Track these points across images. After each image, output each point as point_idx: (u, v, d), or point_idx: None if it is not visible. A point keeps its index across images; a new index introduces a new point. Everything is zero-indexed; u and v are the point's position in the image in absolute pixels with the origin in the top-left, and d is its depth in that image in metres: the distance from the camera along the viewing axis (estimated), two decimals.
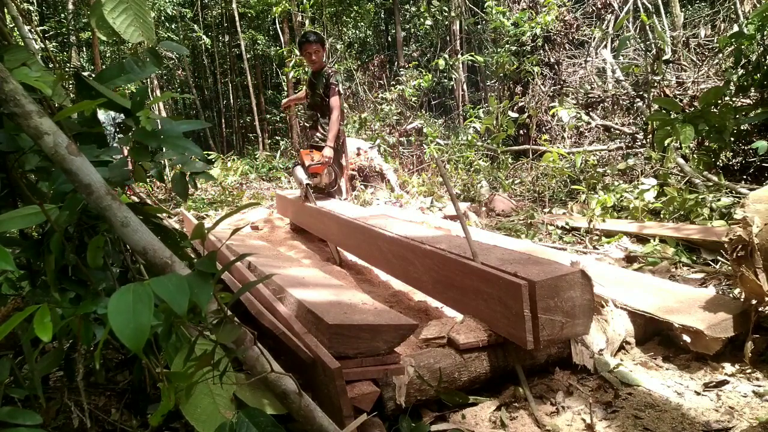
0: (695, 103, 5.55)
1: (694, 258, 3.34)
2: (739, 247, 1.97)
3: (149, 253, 1.07)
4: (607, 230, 4.14)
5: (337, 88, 4.43)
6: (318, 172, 4.40)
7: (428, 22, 13.15)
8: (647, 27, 7.27)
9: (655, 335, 2.36)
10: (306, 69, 10.33)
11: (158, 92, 13.50)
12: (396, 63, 14.45)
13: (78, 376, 1.35)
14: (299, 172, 4.44)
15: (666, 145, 4.92)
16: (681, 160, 4.99)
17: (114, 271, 1.42)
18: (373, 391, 1.66)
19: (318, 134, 4.68)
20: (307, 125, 4.87)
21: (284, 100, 5.48)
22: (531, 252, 2.78)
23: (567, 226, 4.50)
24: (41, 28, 13.54)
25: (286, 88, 14.58)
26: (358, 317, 1.78)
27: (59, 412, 1.50)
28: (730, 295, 2.55)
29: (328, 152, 4.31)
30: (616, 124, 7.29)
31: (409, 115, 9.72)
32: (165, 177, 1.63)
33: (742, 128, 4.75)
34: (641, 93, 6.84)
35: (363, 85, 11.07)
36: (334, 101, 4.42)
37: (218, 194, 8.34)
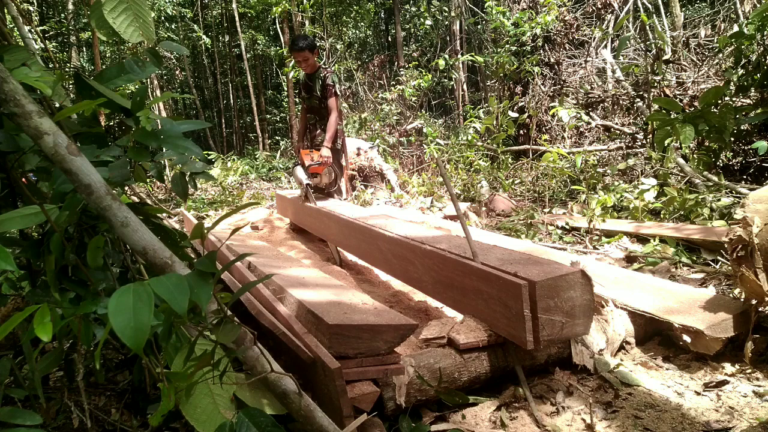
0: (695, 103, 5.55)
1: (694, 258, 3.34)
2: (739, 247, 1.97)
3: (149, 253, 1.07)
4: (607, 230, 4.14)
5: (334, 89, 4.40)
6: (318, 172, 4.41)
7: (428, 22, 13.16)
8: (647, 27, 7.27)
9: (655, 335, 2.36)
10: None
11: (158, 92, 13.51)
12: (396, 63, 14.45)
13: (78, 376, 1.36)
14: (299, 172, 4.44)
15: (666, 145, 4.92)
16: (681, 160, 4.99)
17: (114, 271, 1.42)
18: (373, 391, 1.66)
19: (318, 137, 4.67)
20: (309, 128, 4.84)
21: (297, 144, 4.97)
22: (531, 252, 2.78)
23: (567, 226, 4.50)
24: (41, 28, 13.53)
25: (286, 88, 14.60)
26: (358, 317, 1.78)
27: (59, 412, 1.50)
28: (730, 295, 2.55)
29: (326, 152, 4.32)
30: (616, 124, 7.28)
31: (409, 115, 9.72)
32: (165, 177, 1.63)
33: (742, 128, 4.75)
34: (641, 93, 6.84)
35: (363, 85, 11.07)
36: (332, 102, 4.40)
37: (218, 194, 8.35)
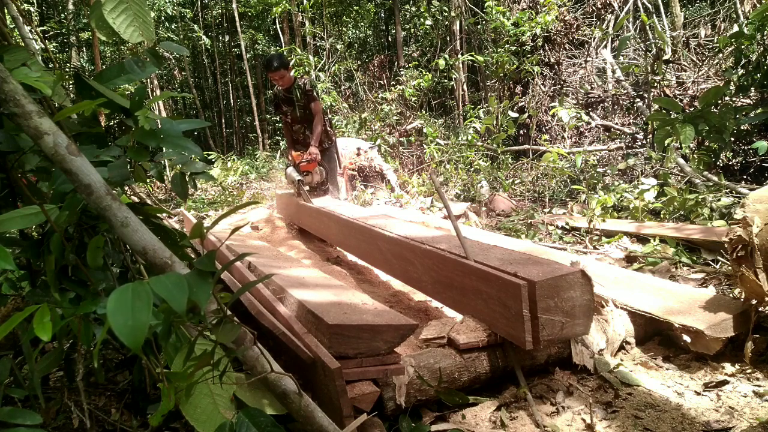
0: (695, 103, 5.55)
1: (694, 258, 3.33)
2: (739, 247, 1.97)
3: (149, 253, 1.07)
4: (607, 230, 4.14)
5: (314, 94, 4.66)
6: (309, 170, 4.65)
7: (428, 22, 13.13)
8: (647, 27, 7.26)
9: (655, 335, 2.36)
10: (306, 69, 10.34)
11: (158, 92, 13.50)
12: (396, 63, 14.43)
13: (78, 376, 1.35)
14: (291, 171, 4.67)
15: (666, 145, 4.92)
16: (681, 160, 4.99)
17: (114, 271, 1.42)
18: (373, 391, 1.66)
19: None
20: (300, 138, 4.95)
21: (288, 150, 5.04)
22: (531, 252, 2.78)
23: (567, 226, 4.50)
24: (41, 28, 13.52)
25: None
26: (358, 317, 1.78)
27: (59, 412, 1.50)
28: (730, 295, 2.55)
29: (313, 150, 4.59)
30: (616, 124, 7.29)
31: (409, 115, 9.70)
32: (165, 177, 1.63)
33: (742, 128, 4.75)
34: (641, 93, 6.84)
35: (363, 85, 11.06)
36: (315, 106, 4.66)
37: (218, 194, 8.35)
